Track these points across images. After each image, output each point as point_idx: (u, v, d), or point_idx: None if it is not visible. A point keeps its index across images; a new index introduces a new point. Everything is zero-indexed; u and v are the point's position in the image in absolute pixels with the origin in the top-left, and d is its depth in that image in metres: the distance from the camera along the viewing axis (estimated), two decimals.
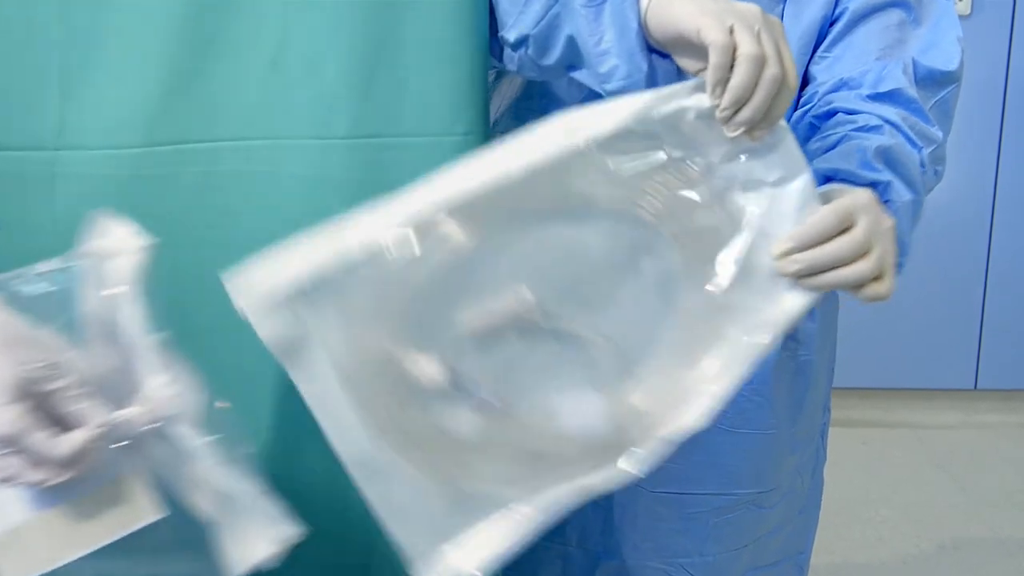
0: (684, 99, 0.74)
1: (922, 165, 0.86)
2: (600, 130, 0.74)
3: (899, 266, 0.81)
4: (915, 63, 0.90)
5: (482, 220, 0.75)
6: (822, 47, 0.93)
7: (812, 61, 0.94)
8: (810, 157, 0.86)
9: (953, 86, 0.91)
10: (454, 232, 0.74)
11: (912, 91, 0.89)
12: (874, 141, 0.84)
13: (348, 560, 0.97)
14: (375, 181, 0.88)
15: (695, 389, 0.77)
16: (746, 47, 0.68)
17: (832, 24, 0.93)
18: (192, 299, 0.92)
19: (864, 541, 2.21)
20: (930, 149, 0.88)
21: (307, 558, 0.96)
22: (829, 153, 0.85)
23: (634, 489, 1.00)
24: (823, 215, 0.75)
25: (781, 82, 0.70)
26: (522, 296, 0.75)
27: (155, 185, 0.89)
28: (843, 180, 0.81)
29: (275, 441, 0.95)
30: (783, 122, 0.76)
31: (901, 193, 0.82)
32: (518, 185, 0.74)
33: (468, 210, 0.74)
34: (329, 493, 0.94)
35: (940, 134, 0.89)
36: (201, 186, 0.89)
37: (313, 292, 0.73)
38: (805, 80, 0.95)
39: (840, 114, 0.88)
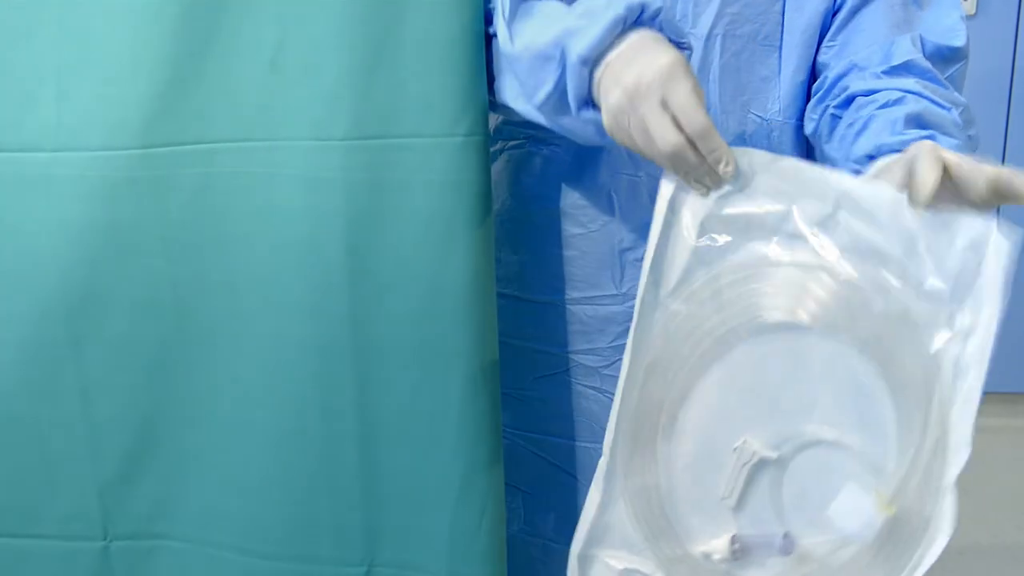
0: (667, 217, 0.79)
1: (955, 124, 0.86)
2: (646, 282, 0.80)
3: None
4: (922, 39, 0.90)
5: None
6: (828, 35, 0.94)
7: (820, 51, 0.94)
8: (842, 145, 0.86)
9: (961, 63, 0.92)
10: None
11: (924, 62, 0.89)
12: (901, 111, 0.84)
13: (349, 562, 0.96)
14: (375, 183, 0.87)
15: (948, 418, 0.77)
16: (657, 146, 0.75)
17: (836, 13, 0.93)
18: (189, 301, 0.92)
19: None
20: (959, 111, 0.87)
21: (309, 561, 0.96)
22: (861, 137, 0.85)
23: None
24: (927, 168, 0.72)
25: (697, 134, 0.73)
26: (742, 447, 0.80)
27: (152, 187, 0.89)
28: (886, 154, 0.80)
29: (274, 444, 0.94)
30: (770, 158, 0.77)
31: (947, 142, 0.81)
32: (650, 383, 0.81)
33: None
34: (330, 495, 0.94)
35: (961, 98, 0.89)
36: (198, 188, 0.89)
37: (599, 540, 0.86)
38: (815, 71, 0.95)
39: (859, 97, 0.88)
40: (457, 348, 0.89)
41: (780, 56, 0.93)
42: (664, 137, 0.74)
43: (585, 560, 0.85)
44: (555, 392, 1.03)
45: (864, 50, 0.91)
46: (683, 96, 0.73)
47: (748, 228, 0.78)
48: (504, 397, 0.96)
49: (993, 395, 2.93)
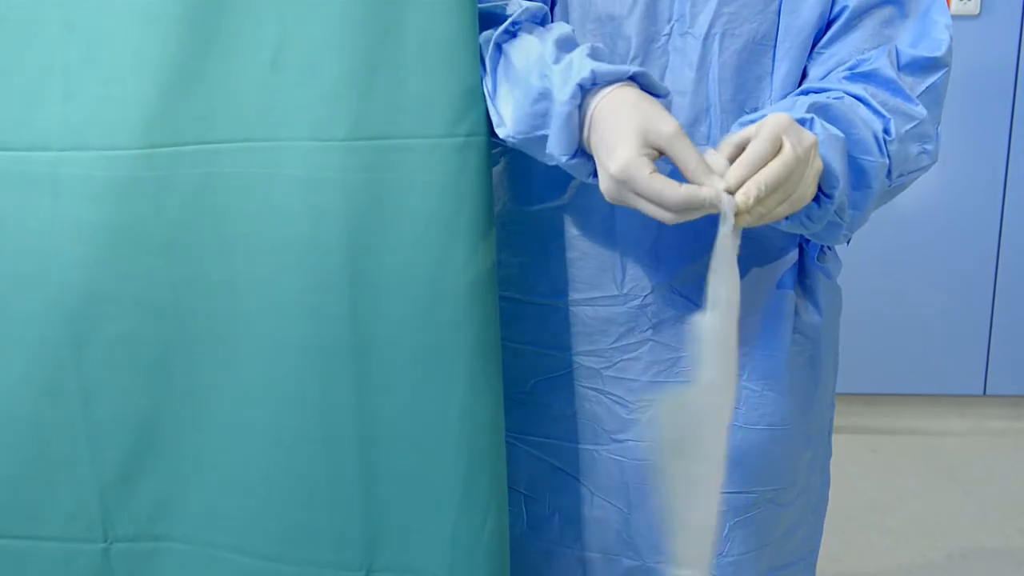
0: None
1: (886, 131, 0.87)
2: None
3: (828, 197, 0.83)
4: (899, 51, 0.91)
5: None
6: (820, 43, 0.94)
7: (810, 57, 0.94)
8: None
9: (942, 72, 0.92)
10: None
11: (891, 72, 0.90)
12: (812, 99, 0.86)
13: (349, 566, 0.95)
14: (376, 183, 0.87)
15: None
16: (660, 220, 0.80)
17: (832, 22, 0.93)
18: (190, 302, 0.91)
19: (871, 550, 2.18)
20: (909, 126, 0.88)
21: (309, 564, 0.95)
22: (837, 70, 0.89)
23: (652, 490, 0.99)
24: (758, 142, 0.77)
25: (679, 208, 0.77)
26: None
27: (154, 187, 0.88)
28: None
29: (274, 445, 0.93)
30: None
31: (825, 127, 0.84)
32: None
33: None
34: (330, 498, 0.93)
35: (922, 111, 0.90)
36: (199, 188, 0.88)
37: None
38: (803, 76, 0.95)
39: (812, 94, 0.90)
40: (458, 350, 0.89)
41: (773, 58, 0.93)
42: (659, 215, 0.78)
43: None
44: (556, 394, 1.03)
45: (843, 64, 0.92)
46: (646, 188, 0.77)
47: None
48: (505, 400, 0.95)
49: (996, 398, 2.93)
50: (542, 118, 0.84)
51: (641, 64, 0.92)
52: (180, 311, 0.91)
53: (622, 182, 0.78)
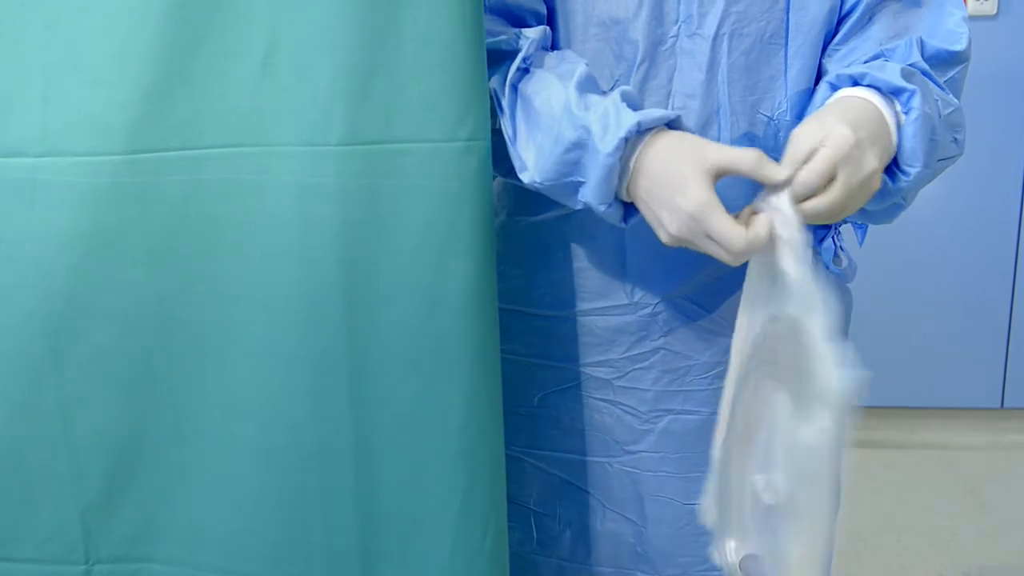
0: None
1: (938, 115, 0.87)
2: None
3: (904, 173, 0.84)
4: (923, 43, 0.90)
5: None
6: (836, 40, 0.93)
7: (825, 54, 0.93)
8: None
9: (962, 66, 0.92)
10: None
11: (922, 64, 0.89)
12: (899, 64, 0.86)
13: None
14: (372, 189, 0.84)
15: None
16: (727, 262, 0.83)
17: (845, 17, 0.92)
18: (176, 313, 0.89)
19: (886, 568, 2.16)
20: (948, 111, 0.88)
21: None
22: (858, 63, 0.88)
23: (666, 502, 1.00)
24: (811, 175, 0.79)
25: (743, 253, 0.80)
26: (756, 481, 0.85)
27: (136, 194, 0.86)
28: (868, 85, 0.85)
29: (264, 461, 0.91)
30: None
31: (924, 101, 0.83)
32: None
33: None
34: (324, 515, 0.91)
35: (955, 100, 0.90)
36: (185, 195, 0.86)
37: None
38: (819, 73, 0.94)
39: (890, 61, 0.89)
40: (457, 361, 0.87)
41: (785, 55, 0.91)
42: (723, 257, 0.80)
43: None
44: (565, 407, 1.02)
45: (864, 58, 0.91)
46: (716, 228, 0.79)
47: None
48: (511, 415, 0.94)
49: (1014, 411, 2.88)
50: (573, 166, 0.85)
51: (648, 68, 0.91)
52: (165, 322, 0.89)
53: (698, 220, 0.79)
